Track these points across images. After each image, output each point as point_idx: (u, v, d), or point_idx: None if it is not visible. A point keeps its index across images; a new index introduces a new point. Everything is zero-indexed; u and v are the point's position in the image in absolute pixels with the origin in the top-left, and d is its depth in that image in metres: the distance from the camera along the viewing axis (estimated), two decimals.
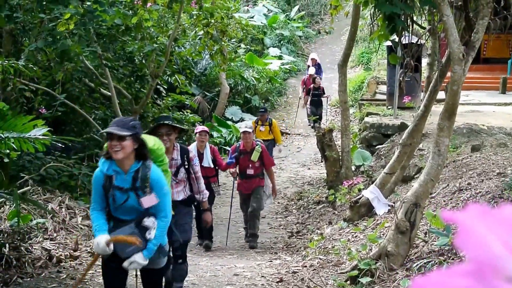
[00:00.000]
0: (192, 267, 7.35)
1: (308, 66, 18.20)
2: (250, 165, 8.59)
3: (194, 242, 8.61)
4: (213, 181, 8.69)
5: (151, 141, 4.24)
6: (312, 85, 16.59)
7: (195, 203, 6.04)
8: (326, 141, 10.32)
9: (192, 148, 8.10)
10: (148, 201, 3.94)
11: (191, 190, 5.77)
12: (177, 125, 5.72)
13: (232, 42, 16.90)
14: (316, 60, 19.04)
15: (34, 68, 8.06)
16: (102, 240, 3.85)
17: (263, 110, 12.91)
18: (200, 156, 8.20)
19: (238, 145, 8.84)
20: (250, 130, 8.68)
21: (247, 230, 9.01)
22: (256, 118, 13.41)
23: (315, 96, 16.53)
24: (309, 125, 17.94)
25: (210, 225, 6.83)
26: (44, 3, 6.51)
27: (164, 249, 4.15)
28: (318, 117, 15.87)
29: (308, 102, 16.72)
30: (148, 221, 3.93)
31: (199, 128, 8.70)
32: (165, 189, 4.04)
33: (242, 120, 17.92)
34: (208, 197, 8.45)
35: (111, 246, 3.87)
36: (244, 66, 19.56)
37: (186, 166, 5.63)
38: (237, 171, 8.90)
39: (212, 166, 8.50)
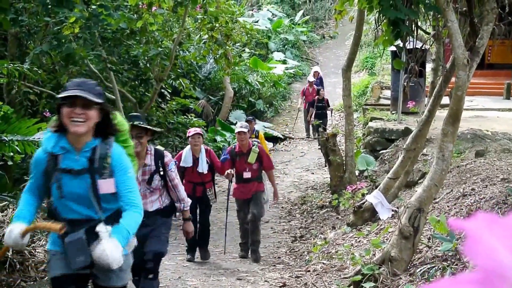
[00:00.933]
0: (196, 271, 7.36)
1: (310, 83, 17.70)
2: (247, 168, 7.93)
3: (182, 256, 8.15)
4: (209, 187, 8.02)
5: None
6: (316, 97, 16.42)
7: (175, 214, 5.38)
8: (330, 146, 10.31)
9: (185, 152, 7.80)
10: (105, 186, 3.13)
11: (170, 199, 5.18)
12: (149, 127, 5.12)
13: (237, 46, 16.95)
14: (319, 73, 18.84)
15: (39, 71, 8.10)
16: (16, 228, 3.09)
17: (250, 118, 11.79)
18: (195, 161, 7.77)
19: (233, 146, 8.16)
20: (246, 130, 7.93)
21: (243, 245, 8.28)
22: None
23: (319, 108, 16.32)
24: (307, 136, 17.88)
25: (193, 236, 6.22)
26: (50, 6, 6.53)
27: (126, 262, 3.25)
28: (321, 122, 15.55)
29: (313, 115, 16.44)
30: (101, 228, 3.06)
31: (192, 130, 8.03)
32: (129, 173, 3.23)
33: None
34: (203, 205, 8.01)
35: (27, 237, 3.14)
36: (249, 70, 19.59)
37: (161, 173, 5.03)
38: (233, 173, 8.14)
39: (205, 171, 7.84)
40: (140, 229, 3.54)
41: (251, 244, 8.11)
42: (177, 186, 5.10)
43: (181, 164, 7.56)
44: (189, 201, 5.25)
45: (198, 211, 8.06)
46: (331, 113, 17.25)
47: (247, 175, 7.94)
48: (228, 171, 7.94)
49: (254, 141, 8.34)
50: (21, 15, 8.08)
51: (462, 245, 0.60)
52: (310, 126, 17.40)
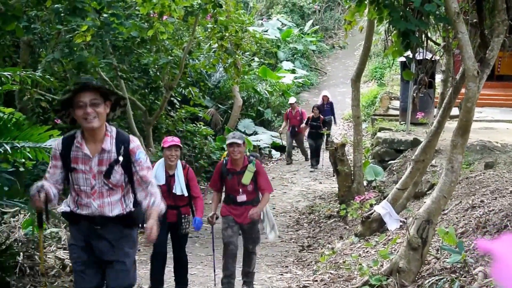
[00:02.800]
0: (203, 279, 7.37)
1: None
2: (241, 190, 6.29)
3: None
4: (185, 212, 6.37)
5: None
6: (311, 115, 15.03)
7: (142, 223, 3.91)
8: (338, 156, 10.33)
9: (157, 167, 6.20)
10: None
11: (135, 202, 3.82)
12: (109, 90, 3.84)
13: (246, 55, 17.03)
14: (328, 98, 16.61)
15: (51, 79, 8.17)
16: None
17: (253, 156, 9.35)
18: (169, 179, 6.23)
19: (224, 161, 6.39)
20: (240, 142, 6.17)
21: (226, 281, 6.42)
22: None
23: (313, 127, 14.92)
24: (287, 162, 16.10)
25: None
26: (62, 15, 6.60)
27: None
28: (315, 143, 14.84)
29: (306, 133, 15.34)
30: None
31: (168, 140, 6.31)
32: None
33: (255, 133, 17.97)
34: (177, 234, 6.35)
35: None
36: (258, 79, 19.66)
37: (125, 163, 3.68)
38: (223, 199, 6.51)
39: (186, 193, 6.28)
40: (96, 242, 3.77)
41: (244, 275, 6.65)
42: (147, 178, 3.75)
43: None
44: (160, 200, 3.78)
45: (171, 242, 6.51)
46: (329, 137, 15.09)
47: (241, 198, 6.34)
48: (211, 215, 6.39)
49: (252, 156, 6.79)
50: (33, 22, 8.17)
51: (491, 267, 0.60)
52: (308, 150, 15.80)
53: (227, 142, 6.27)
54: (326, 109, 16.33)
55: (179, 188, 6.26)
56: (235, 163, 6.28)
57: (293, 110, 16.09)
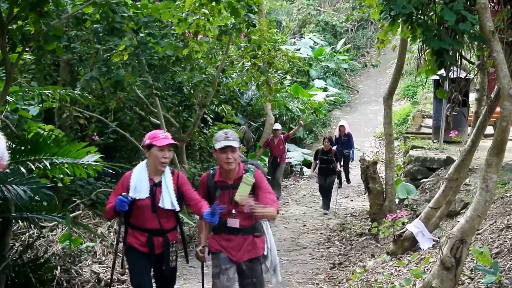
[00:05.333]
0: None
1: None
2: (234, 211, 4.63)
3: None
4: (173, 239, 4.79)
5: None
6: (321, 147, 12.87)
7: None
8: (370, 173, 10.30)
9: (137, 174, 4.68)
10: None
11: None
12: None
13: (278, 74, 17.13)
14: (345, 128, 14.77)
15: (89, 97, 8.38)
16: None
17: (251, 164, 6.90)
18: (154, 189, 4.65)
19: (212, 172, 4.78)
20: (236, 145, 4.56)
21: None
22: None
23: (323, 162, 12.67)
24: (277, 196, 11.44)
25: None
26: (101, 34, 6.79)
27: None
28: (326, 181, 12.63)
29: (316, 170, 12.98)
30: None
31: (161, 136, 4.68)
32: None
33: (287, 151, 17.99)
34: (163, 273, 4.73)
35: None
36: (289, 97, 19.76)
37: None
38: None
39: (177, 208, 4.69)
40: None
41: None
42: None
43: (130, 194, 4.58)
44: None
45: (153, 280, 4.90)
46: (346, 177, 13.86)
47: (233, 222, 4.67)
48: (200, 249, 4.67)
49: (250, 163, 4.86)
50: (73, 42, 8.41)
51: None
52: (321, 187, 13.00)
53: (217, 145, 4.51)
54: (344, 141, 14.71)
55: (168, 200, 4.64)
56: (227, 174, 4.65)
57: (276, 139, 13.83)
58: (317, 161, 12.82)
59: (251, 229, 4.72)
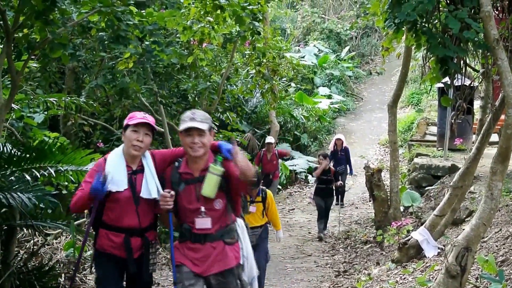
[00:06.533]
0: None
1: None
2: (203, 208, 3.84)
3: None
4: (153, 238, 4.01)
5: None
6: (319, 166, 11.41)
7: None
8: (374, 181, 10.30)
9: (114, 161, 3.91)
10: None
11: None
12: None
13: (283, 81, 17.18)
14: (342, 142, 13.30)
15: (94, 104, 8.41)
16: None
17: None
18: (133, 178, 3.91)
19: (177, 163, 3.97)
20: (205, 127, 3.85)
21: None
22: None
23: (322, 182, 11.33)
24: None
25: None
26: (106, 42, 6.83)
27: None
28: (325, 202, 11.32)
29: (312, 191, 11.67)
30: None
31: (137, 116, 3.99)
32: None
33: (292, 158, 17.99)
34: (138, 280, 4.00)
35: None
36: (294, 104, 19.80)
37: None
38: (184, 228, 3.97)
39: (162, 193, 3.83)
40: None
41: None
42: None
43: (106, 186, 3.80)
44: None
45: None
46: (341, 198, 12.35)
47: (203, 223, 3.85)
48: (163, 193, 3.83)
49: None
50: (78, 50, 8.45)
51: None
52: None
53: (181, 126, 3.84)
54: (341, 157, 13.31)
55: (154, 187, 3.87)
56: (194, 164, 3.88)
57: (269, 153, 12.64)
58: (315, 182, 11.57)
59: (223, 234, 3.90)
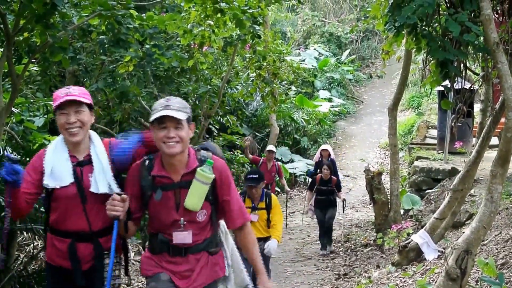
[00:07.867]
0: None
1: (269, 153, 11.70)
2: (183, 221, 3.14)
3: None
4: (108, 247, 3.23)
5: None
6: (319, 175, 10.83)
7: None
8: (375, 184, 10.30)
9: (53, 152, 3.24)
10: None
11: None
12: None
13: (283, 84, 17.20)
14: (329, 153, 12.05)
15: (94, 108, 8.39)
16: None
17: (255, 177, 6.67)
18: (79, 171, 3.25)
19: (147, 163, 3.18)
20: (182, 117, 3.02)
21: None
22: (240, 190, 7.09)
23: (322, 193, 10.70)
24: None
25: None
26: (106, 46, 6.84)
27: None
28: (325, 215, 10.64)
29: (312, 202, 10.89)
30: None
31: (61, 95, 3.22)
32: None
33: (291, 161, 17.98)
34: None
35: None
36: (294, 107, 19.82)
37: None
38: (147, 244, 3.61)
39: (116, 190, 3.18)
40: None
41: None
42: None
43: (46, 182, 3.19)
44: None
45: None
46: (344, 205, 11.42)
47: (182, 238, 3.18)
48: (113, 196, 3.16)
49: (203, 151, 3.26)
50: (79, 53, 8.45)
51: None
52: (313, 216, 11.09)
53: (153, 116, 3.02)
54: None
55: (104, 181, 3.19)
56: (170, 165, 3.13)
57: (269, 163, 11.63)
58: (314, 192, 10.84)
59: (205, 245, 3.24)
